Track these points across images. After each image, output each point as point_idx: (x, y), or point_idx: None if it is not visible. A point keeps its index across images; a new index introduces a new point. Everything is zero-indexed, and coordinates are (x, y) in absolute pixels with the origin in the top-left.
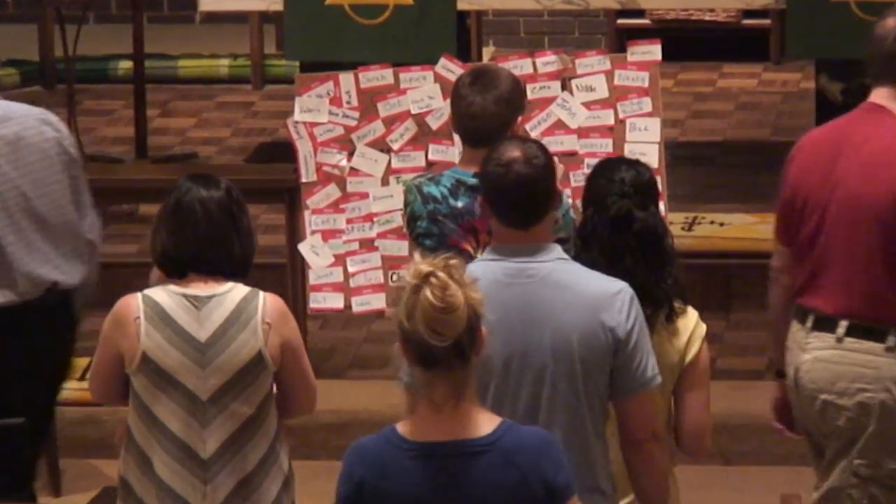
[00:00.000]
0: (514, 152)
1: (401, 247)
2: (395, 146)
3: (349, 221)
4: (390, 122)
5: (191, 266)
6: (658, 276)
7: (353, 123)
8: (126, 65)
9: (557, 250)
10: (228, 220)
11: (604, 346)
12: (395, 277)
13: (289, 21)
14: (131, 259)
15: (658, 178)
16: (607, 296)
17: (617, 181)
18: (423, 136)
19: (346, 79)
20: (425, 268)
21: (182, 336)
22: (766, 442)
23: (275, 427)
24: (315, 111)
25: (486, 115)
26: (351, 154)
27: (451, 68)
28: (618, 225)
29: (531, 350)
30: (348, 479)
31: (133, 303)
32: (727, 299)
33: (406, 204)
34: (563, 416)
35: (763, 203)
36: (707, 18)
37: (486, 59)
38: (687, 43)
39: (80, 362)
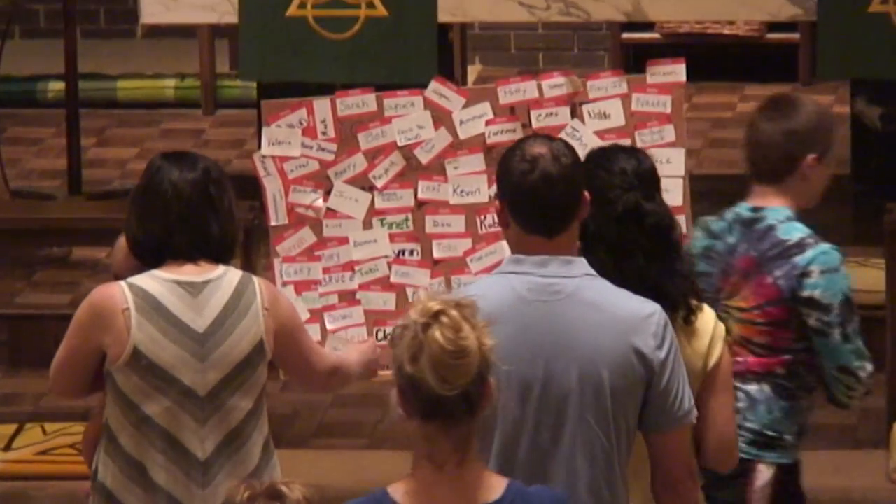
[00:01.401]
0: (539, 148)
1: (386, 300)
2: (379, 183)
3: (326, 271)
4: (373, 156)
5: (164, 251)
6: (671, 272)
7: (330, 157)
8: (57, 86)
9: (584, 265)
10: (204, 201)
11: (637, 375)
12: (380, 335)
13: (244, 35)
14: (63, 310)
15: (683, 217)
16: (640, 318)
17: (618, 172)
18: (412, 171)
19: (321, 106)
20: (435, 305)
21: (178, 327)
22: None
23: (267, 423)
24: (285, 143)
25: (771, 146)
26: (327, 193)
27: (443, 93)
28: (626, 221)
29: (555, 376)
30: None
31: (117, 292)
32: None
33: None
34: (588, 453)
35: None
36: (726, 32)
37: (471, 79)
38: (703, 60)
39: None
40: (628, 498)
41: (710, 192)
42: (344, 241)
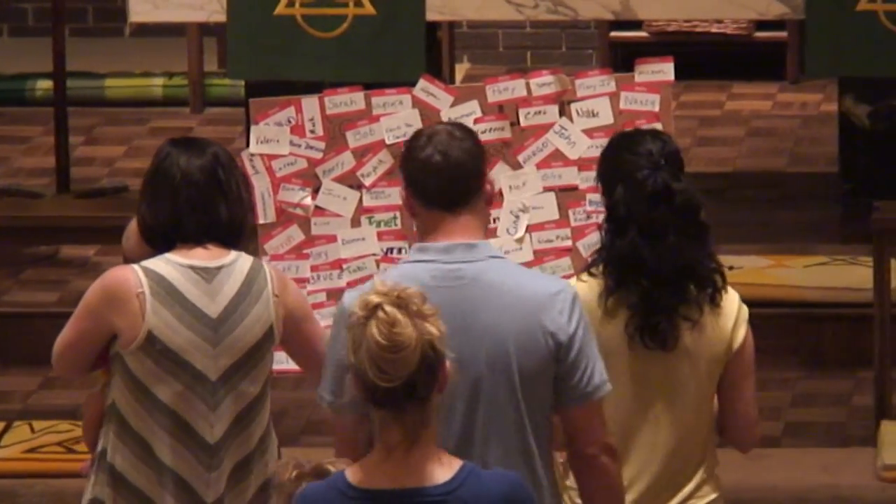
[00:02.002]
0: (436, 128)
1: None
2: (367, 181)
3: (314, 269)
4: (361, 154)
5: (174, 235)
6: (702, 251)
7: (319, 156)
8: (45, 84)
9: (490, 248)
10: (212, 184)
11: (545, 353)
12: None
13: (232, 34)
14: (51, 308)
15: (712, 252)
16: (547, 296)
17: (645, 154)
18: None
19: (309, 104)
20: (374, 298)
21: (193, 313)
22: None
23: (269, 406)
24: (273, 142)
25: None
26: (316, 191)
27: (431, 91)
28: (656, 200)
29: (464, 361)
30: None
31: (131, 276)
32: None
33: None
34: (502, 432)
35: (779, 244)
36: (714, 31)
37: (460, 78)
38: (691, 59)
39: None
40: (555, 475)
41: (699, 190)
42: (332, 239)
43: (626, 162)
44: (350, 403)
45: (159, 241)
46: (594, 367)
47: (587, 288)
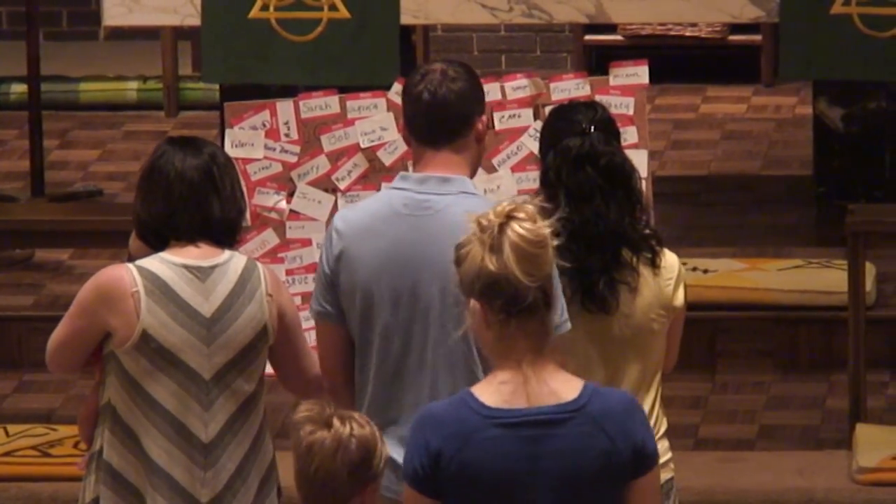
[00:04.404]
0: (433, 66)
1: None
2: (342, 185)
3: (289, 273)
4: (336, 158)
5: (167, 231)
6: (630, 216)
7: (293, 159)
8: (19, 88)
9: (464, 184)
10: (207, 182)
11: None
12: None
13: (206, 38)
14: (25, 312)
15: (645, 219)
16: None
17: (576, 121)
18: (375, 173)
19: (284, 107)
20: (506, 206)
21: (187, 311)
22: None
23: (263, 404)
24: (248, 145)
25: None
26: (291, 195)
27: None
28: (582, 163)
29: (420, 287)
30: (424, 450)
31: (126, 275)
32: (711, 358)
33: None
34: (452, 364)
35: (753, 247)
36: (688, 34)
37: None
38: (665, 62)
39: None
40: None
41: (674, 194)
42: (307, 242)
43: (559, 130)
44: (336, 313)
45: (152, 237)
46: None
47: None
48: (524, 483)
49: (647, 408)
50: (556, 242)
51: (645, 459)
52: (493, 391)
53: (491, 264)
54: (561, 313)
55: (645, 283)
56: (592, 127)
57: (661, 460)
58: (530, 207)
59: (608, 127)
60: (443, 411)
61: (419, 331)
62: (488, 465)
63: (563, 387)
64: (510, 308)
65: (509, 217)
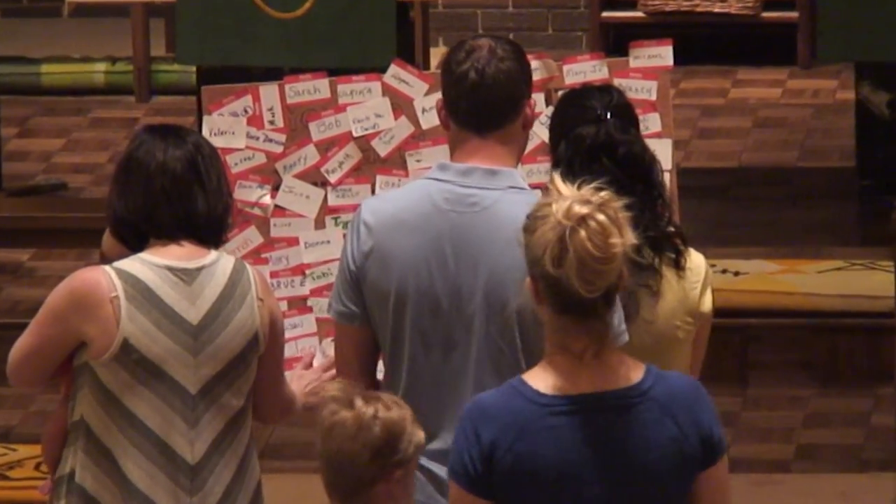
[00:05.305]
0: (480, 42)
1: None
2: (333, 178)
3: (274, 275)
4: (326, 148)
5: (147, 229)
6: (651, 211)
7: (279, 149)
8: None
9: (513, 177)
10: (191, 174)
11: None
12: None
13: (182, 15)
14: None
15: (668, 215)
16: None
17: (590, 108)
18: (369, 164)
19: (268, 92)
20: (582, 209)
21: (171, 318)
22: None
23: (251, 421)
24: (228, 134)
25: None
26: (275, 189)
27: (403, 78)
28: (597, 154)
29: (462, 291)
30: (475, 442)
31: (103, 278)
32: (743, 370)
33: None
34: (495, 370)
35: (789, 247)
36: (717, 10)
37: (434, 63)
38: (691, 42)
39: None
40: None
41: (700, 188)
42: (294, 241)
43: (571, 117)
44: (361, 314)
45: (130, 235)
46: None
47: None
48: (587, 477)
49: None
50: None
51: (714, 448)
52: (547, 378)
53: (551, 268)
54: (619, 322)
55: (668, 287)
56: (608, 113)
57: None
58: (605, 211)
59: (625, 113)
60: (493, 401)
61: (461, 340)
62: (547, 457)
63: (625, 370)
64: (563, 309)
65: (582, 221)
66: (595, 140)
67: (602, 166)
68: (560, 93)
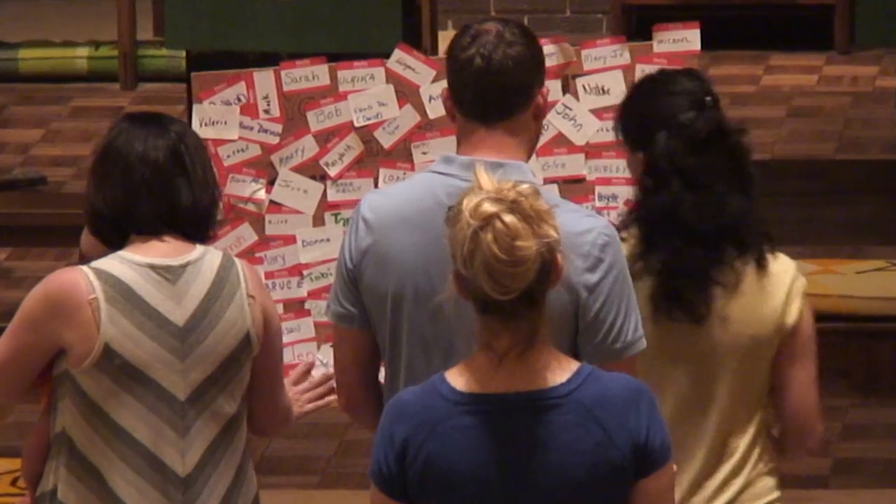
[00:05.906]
0: (487, 26)
1: None
2: (333, 171)
3: (269, 275)
4: (325, 139)
5: (127, 224)
6: (747, 208)
7: (274, 140)
8: None
9: (521, 170)
10: (174, 164)
11: (560, 300)
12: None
13: None
14: None
15: (758, 212)
16: (571, 235)
17: (686, 92)
18: (371, 156)
19: (263, 79)
20: (490, 207)
21: (156, 320)
22: None
23: (246, 428)
24: (220, 124)
25: None
26: (271, 183)
27: (409, 63)
28: (708, 143)
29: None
30: (389, 441)
31: (81, 279)
32: None
33: None
34: None
35: (826, 245)
36: None
37: (442, 48)
38: (720, 25)
39: None
40: None
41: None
42: (290, 240)
43: (665, 104)
44: (359, 315)
45: (109, 231)
46: (626, 322)
47: None
48: (501, 482)
49: (740, 451)
50: (626, 251)
51: (648, 457)
52: (467, 374)
53: (462, 268)
54: (635, 328)
55: (748, 290)
56: (709, 98)
57: (766, 500)
58: (517, 210)
59: (718, 99)
60: (411, 398)
61: (463, 347)
62: (456, 458)
63: (554, 370)
64: (483, 309)
65: (489, 221)
66: (709, 127)
67: (710, 157)
68: (580, 80)
